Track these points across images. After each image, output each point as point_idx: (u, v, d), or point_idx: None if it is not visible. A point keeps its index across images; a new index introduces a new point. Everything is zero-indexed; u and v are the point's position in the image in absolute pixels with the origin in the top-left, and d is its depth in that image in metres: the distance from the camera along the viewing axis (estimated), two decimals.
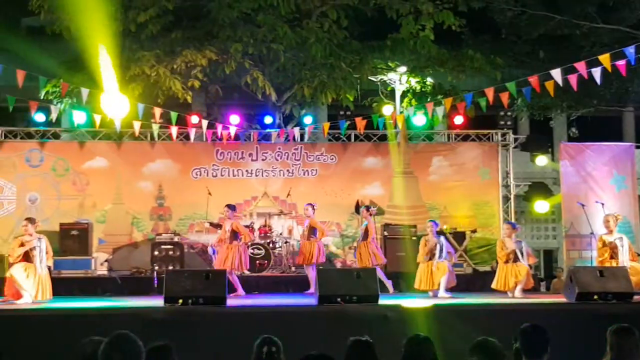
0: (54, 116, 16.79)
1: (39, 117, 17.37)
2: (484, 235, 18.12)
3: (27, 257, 12.07)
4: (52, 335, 8.84)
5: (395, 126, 18.46)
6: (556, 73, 13.74)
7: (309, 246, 14.64)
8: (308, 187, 18.22)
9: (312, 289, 14.35)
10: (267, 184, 18.20)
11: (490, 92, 14.86)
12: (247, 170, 18.25)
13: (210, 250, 15.08)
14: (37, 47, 23.32)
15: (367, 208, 15.15)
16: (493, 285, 13.10)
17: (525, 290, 12.83)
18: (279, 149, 18.34)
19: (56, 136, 18.56)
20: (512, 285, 12.76)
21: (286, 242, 16.81)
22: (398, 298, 12.65)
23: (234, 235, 14.08)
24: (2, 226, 17.28)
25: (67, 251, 16.30)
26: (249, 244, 15.31)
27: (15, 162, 17.76)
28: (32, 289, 11.84)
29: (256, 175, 18.25)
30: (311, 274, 14.51)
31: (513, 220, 17.00)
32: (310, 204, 15.09)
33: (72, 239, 16.47)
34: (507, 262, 12.96)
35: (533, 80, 14.28)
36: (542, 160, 18.88)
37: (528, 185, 19.60)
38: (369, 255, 14.41)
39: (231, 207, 14.47)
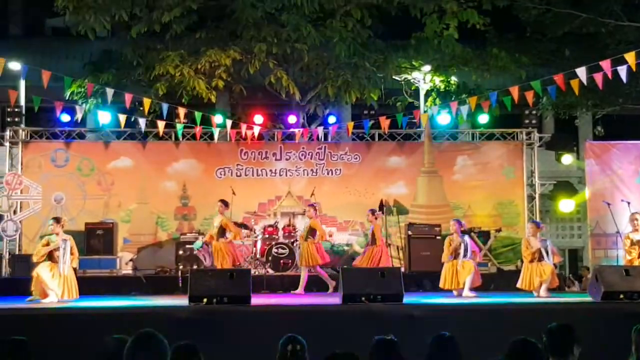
0: (79, 116, 16.91)
1: (64, 117, 17.51)
2: (509, 234, 18.04)
3: (51, 257, 12.18)
4: (77, 334, 8.91)
5: (419, 125, 18.41)
6: (581, 71, 13.64)
7: (306, 247, 14.36)
8: (332, 186, 18.22)
9: (300, 289, 14.23)
10: (291, 184, 18.21)
11: (515, 91, 14.78)
12: (271, 170, 18.27)
13: (198, 244, 14.90)
14: (62, 48, 23.56)
15: (373, 212, 14.80)
16: (518, 285, 13.05)
17: (550, 290, 12.76)
18: (303, 148, 18.34)
19: (81, 136, 18.66)
20: (537, 284, 12.70)
21: None
22: (423, 297, 12.64)
23: (222, 231, 14.07)
24: (29, 226, 17.40)
25: (92, 251, 16.41)
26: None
27: (40, 162, 17.89)
28: (58, 288, 11.93)
29: (280, 175, 18.27)
30: (305, 274, 14.34)
31: (538, 220, 16.90)
32: (312, 205, 15.02)
33: (97, 239, 16.57)
34: (532, 261, 12.90)
35: (558, 78, 14.19)
36: (567, 159, 18.77)
37: (553, 184, 19.46)
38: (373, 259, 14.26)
39: (224, 203, 14.48)
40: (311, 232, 14.45)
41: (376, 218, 14.65)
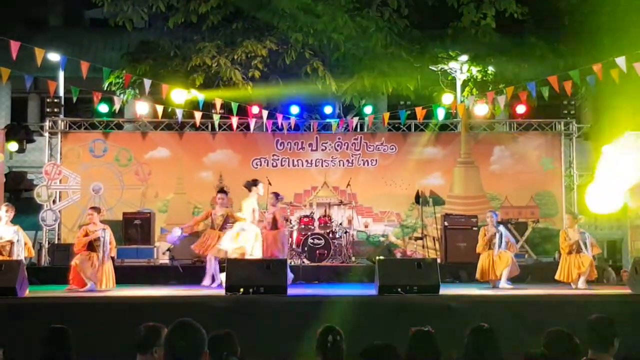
0: (117, 107, 17.03)
1: (103, 108, 17.68)
2: (547, 225, 17.90)
3: (91, 247, 12.30)
4: (115, 322, 8.99)
5: (456, 115, 18.31)
6: (621, 60, 13.43)
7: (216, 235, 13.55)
8: (368, 177, 18.20)
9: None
10: (326, 174, 18.21)
11: (554, 81, 14.61)
12: (307, 161, 18.29)
13: (177, 232, 14.35)
14: (100, 38, 23.77)
15: (276, 195, 14.16)
16: (556, 276, 12.96)
17: (588, 282, 12.65)
18: (339, 139, 18.34)
19: (119, 127, 18.83)
20: (575, 276, 12.60)
21: (346, 232, 16.77)
22: (460, 288, 12.59)
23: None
24: (67, 215, 17.62)
25: (130, 240, 16.53)
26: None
27: (79, 153, 18.10)
28: (96, 277, 12.06)
29: (316, 166, 18.28)
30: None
31: (576, 211, 16.74)
32: (222, 190, 14.37)
33: (135, 228, 16.69)
34: (570, 252, 12.81)
35: (597, 68, 14.00)
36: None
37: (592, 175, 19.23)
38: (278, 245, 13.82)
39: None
40: (227, 221, 13.81)
41: (279, 200, 14.24)
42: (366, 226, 17.79)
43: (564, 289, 12.42)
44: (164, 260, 16.49)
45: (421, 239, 17.48)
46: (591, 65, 14.36)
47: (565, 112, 18.20)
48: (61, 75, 17.78)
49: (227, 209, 13.98)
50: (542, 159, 18.39)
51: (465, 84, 19.79)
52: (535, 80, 15.94)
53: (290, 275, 11.97)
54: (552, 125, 18.49)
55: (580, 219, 13.65)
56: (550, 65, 19.24)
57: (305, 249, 16.00)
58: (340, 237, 16.69)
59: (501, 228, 13.25)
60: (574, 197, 18.09)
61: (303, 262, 15.70)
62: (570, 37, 20.66)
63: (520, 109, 18.15)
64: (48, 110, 18.05)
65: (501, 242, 13.02)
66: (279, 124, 17.51)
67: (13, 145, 17.67)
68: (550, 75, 15.24)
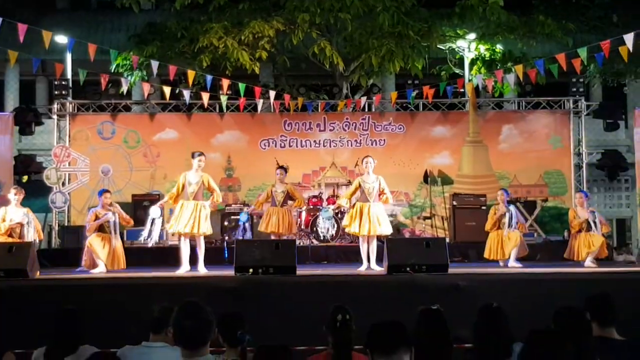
0: (124, 89, 17.03)
1: (110, 90, 17.66)
2: (556, 204, 17.89)
3: (101, 228, 12.39)
4: (126, 303, 9.03)
5: (464, 94, 18.26)
6: (629, 38, 13.33)
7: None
8: (376, 157, 17.89)
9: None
10: (335, 154, 18.19)
11: (562, 58, 14.53)
12: (314, 141, 18.28)
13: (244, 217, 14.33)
14: (107, 20, 23.76)
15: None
16: (565, 255, 12.96)
17: (599, 260, 12.64)
18: (347, 119, 18.31)
19: (127, 109, 18.84)
20: (584, 254, 12.60)
21: None
22: (468, 267, 12.60)
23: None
24: (77, 197, 17.67)
25: (139, 222, 16.54)
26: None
27: (87, 135, 18.14)
28: (106, 259, 12.13)
29: (324, 146, 18.27)
30: None
31: (585, 189, 16.71)
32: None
33: (144, 210, 16.69)
34: (579, 231, 12.80)
35: (605, 45, 13.90)
36: (615, 127, 18.45)
37: (601, 153, 19.17)
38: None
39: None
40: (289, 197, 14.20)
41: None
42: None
43: (573, 267, 12.41)
44: (173, 241, 16.52)
45: (430, 218, 17.51)
46: (599, 43, 14.27)
47: (574, 90, 18.12)
48: (69, 57, 17.81)
49: (288, 185, 14.10)
50: (551, 137, 18.33)
51: (473, 62, 19.72)
52: (543, 58, 15.87)
53: None
54: (560, 104, 18.42)
55: (590, 198, 13.59)
56: (559, 43, 19.19)
57: (314, 229, 16.01)
58: None
59: (511, 207, 13.21)
60: (583, 175, 18.05)
61: (312, 242, 15.73)
62: (579, 15, 20.58)
63: (529, 87, 18.08)
64: (56, 92, 18.04)
65: (511, 221, 13.00)
66: (287, 105, 17.47)
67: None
68: (559, 53, 15.16)
